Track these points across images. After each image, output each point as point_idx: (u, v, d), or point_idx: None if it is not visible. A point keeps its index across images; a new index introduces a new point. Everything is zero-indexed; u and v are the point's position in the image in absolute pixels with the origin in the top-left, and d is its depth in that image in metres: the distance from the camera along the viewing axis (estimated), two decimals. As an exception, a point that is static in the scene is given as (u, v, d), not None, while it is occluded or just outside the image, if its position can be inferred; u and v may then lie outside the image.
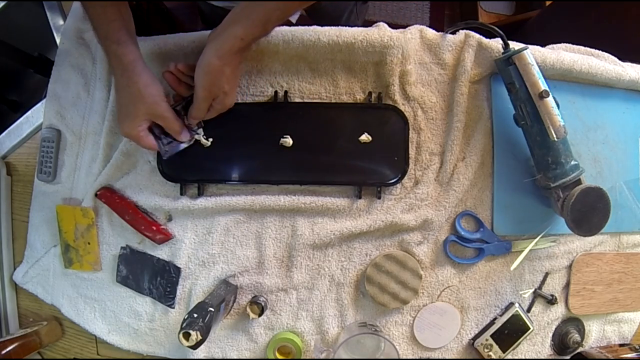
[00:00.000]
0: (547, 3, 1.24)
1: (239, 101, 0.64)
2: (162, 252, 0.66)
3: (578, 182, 0.60)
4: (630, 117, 0.70)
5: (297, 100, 0.64)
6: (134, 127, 0.54)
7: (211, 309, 0.56)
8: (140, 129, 0.54)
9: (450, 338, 0.67)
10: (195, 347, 0.54)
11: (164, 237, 0.65)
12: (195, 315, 0.55)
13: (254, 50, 0.61)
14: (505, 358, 0.67)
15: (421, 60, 0.63)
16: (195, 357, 0.66)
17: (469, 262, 0.65)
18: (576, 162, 0.60)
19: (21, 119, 0.72)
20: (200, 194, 0.65)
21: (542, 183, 0.62)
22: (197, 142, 0.63)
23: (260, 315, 0.63)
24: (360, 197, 0.63)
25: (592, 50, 0.69)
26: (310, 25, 0.60)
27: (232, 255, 0.65)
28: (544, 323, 0.69)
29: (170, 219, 0.66)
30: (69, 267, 0.68)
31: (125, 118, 0.54)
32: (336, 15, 0.75)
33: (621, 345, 0.73)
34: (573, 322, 0.70)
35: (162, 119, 0.55)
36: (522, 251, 0.65)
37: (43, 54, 0.90)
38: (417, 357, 0.67)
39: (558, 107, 0.57)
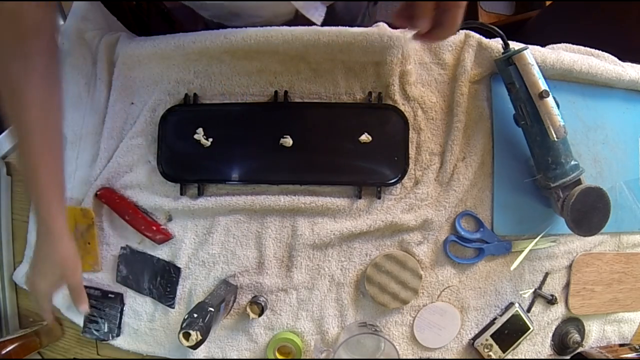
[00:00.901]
0: (547, 3, 1.24)
1: (240, 101, 0.64)
2: (162, 252, 0.66)
3: (578, 182, 0.60)
4: (630, 117, 0.70)
5: (297, 100, 0.64)
6: (45, 287, 0.55)
7: (211, 309, 0.56)
8: (49, 291, 0.55)
9: (450, 338, 0.67)
10: (195, 347, 0.54)
11: (164, 237, 0.65)
12: (195, 315, 0.55)
13: (253, 50, 0.61)
14: (505, 358, 0.67)
15: (421, 60, 0.63)
16: (195, 357, 0.66)
17: (469, 262, 0.65)
18: (576, 162, 0.60)
19: (21, 119, 0.72)
20: (200, 194, 0.65)
21: (542, 183, 0.62)
22: (197, 142, 0.63)
23: (260, 315, 0.63)
24: (360, 197, 0.63)
25: (592, 50, 0.69)
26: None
27: (232, 255, 0.65)
28: (544, 323, 0.69)
29: (170, 219, 0.66)
30: (69, 267, 0.68)
31: (40, 276, 0.55)
32: (349, 20, 0.74)
33: (621, 345, 0.73)
34: (573, 322, 0.70)
35: (74, 289, 0.56)
36: (522, 251, 0.65)
37: (43, 54, 0.90)
38: (417, 357, 0.67)
39: (558, 107, 0.57)
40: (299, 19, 0.61)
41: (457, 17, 0.47)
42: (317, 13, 0.61)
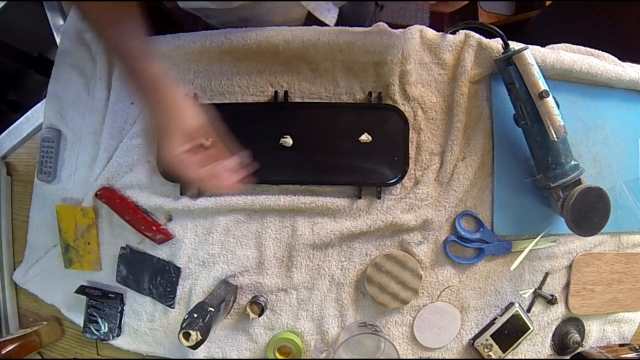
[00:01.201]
0: (547, 3, 1.24)
1: (240, 101, 0.64)
2: (162, 252, 0.66)
3: (578, 182, 0.60)
4: (630, 117, 0.70)
5: (297, 100, 0.64)
6: (174, 147, 0.48)
7: (211, 309, 0.56)
8: (181, 149, 0.48)
9: (450, 338, 0.67)
10: (195, 347, 0.54)
11: (164, 237, 0.65)
12: (195, 315, 0.55)
13: (253, 50, 0.61)
14: (505, 358, 0.67)
15: (421, 60, 0.63)
16: (195, 357, 0.66)
17: (469, 262, 0.65)
18: (576, 162, 0.60)
19: (21, 119, 0.72)
20: (200, 194, 0.64)
21: (542, 183, 0.62)
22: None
23: (260, 315, 0.63)
24: (360, 197, 0.63)
25: (592, 50, 0.69)
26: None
27: (232, 255, 0.65)
28: (544, 323, 0.69)
29: (170, 219, 0.66)
30: (69, 267, 0.68)
31: (163, 140, 0.49)
32: (357, 24, 0.74)
33: (621, 345, 0.73)
34: (573, 322, 0.70)
35: (202, 133, 0.50)
36: (522, 251, 0.65)
37: (43, 54, 0.90)
38: (417, 357, 0.67)
39: (558, 107, 0.57)
40: (308, 24, 0.61)
41: None
42: (329, 15, 0.61)
